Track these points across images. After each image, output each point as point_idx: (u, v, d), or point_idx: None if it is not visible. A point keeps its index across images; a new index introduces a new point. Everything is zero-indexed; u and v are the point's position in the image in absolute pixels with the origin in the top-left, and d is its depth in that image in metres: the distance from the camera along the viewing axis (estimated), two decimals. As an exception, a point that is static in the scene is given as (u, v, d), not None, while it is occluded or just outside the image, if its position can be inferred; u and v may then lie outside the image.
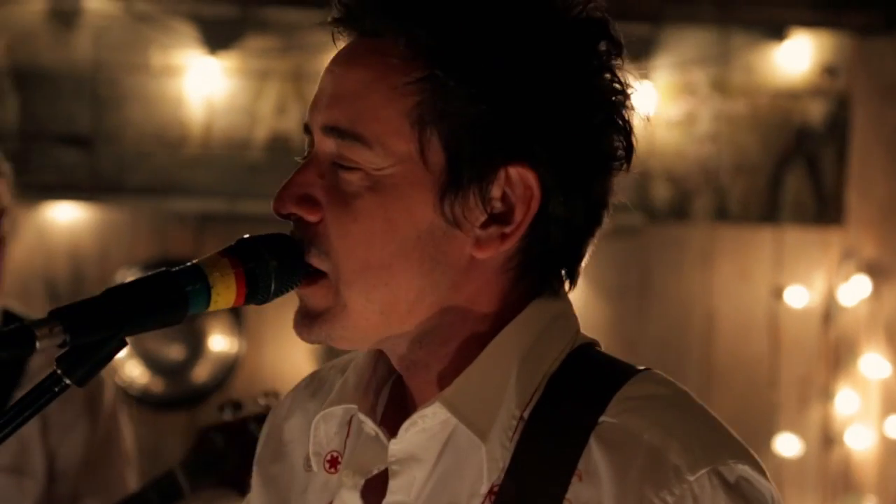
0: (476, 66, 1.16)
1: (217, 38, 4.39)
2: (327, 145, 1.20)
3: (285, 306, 4.41)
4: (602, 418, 1.16)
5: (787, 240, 4.91)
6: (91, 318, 1.08)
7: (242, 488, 2.44)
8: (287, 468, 1.36)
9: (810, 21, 4.79)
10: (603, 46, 1.20)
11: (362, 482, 1.24)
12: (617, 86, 1.20)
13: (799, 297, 4.87)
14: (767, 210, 4.88)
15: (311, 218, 1.19)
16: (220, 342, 4.57)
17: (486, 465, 1.17)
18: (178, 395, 4.59)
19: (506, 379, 1.19)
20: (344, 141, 1.18)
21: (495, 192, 1.18)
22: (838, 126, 4.91)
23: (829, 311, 4.94)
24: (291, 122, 4.47)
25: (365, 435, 1.27)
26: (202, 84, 4.42)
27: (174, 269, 1.14)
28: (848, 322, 4.94)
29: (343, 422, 1.29)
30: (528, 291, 1.22)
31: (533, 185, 1.18)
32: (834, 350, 4.93)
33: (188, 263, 1.15)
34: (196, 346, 4.57)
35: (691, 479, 1.11)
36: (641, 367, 1.22)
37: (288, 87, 4.46)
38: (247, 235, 1.19)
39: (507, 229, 1.19)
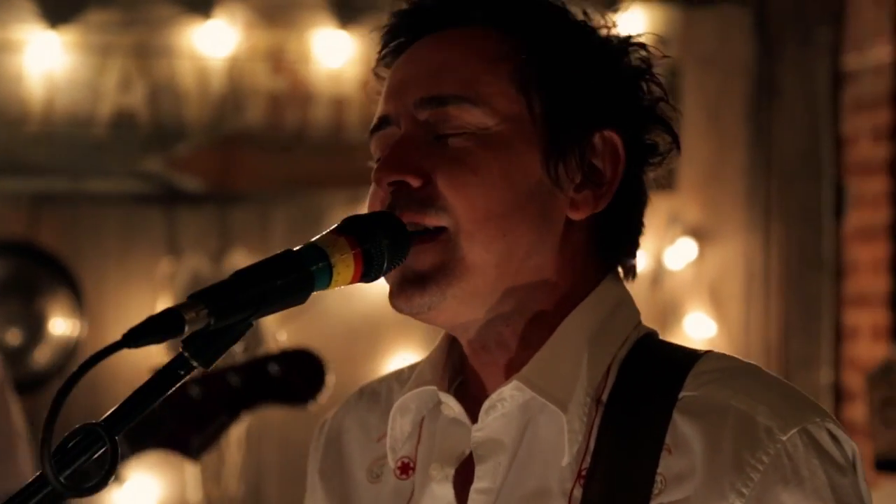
0: (565, 40, 1.27)
1: (57, 11, 4.23)
2: (421, 119, 1.24)
3: (125, 285, 4.34)
4: (682, 394, 1.21)
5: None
6: (231, 301, 1.08)
7: (184, 448, 2.42)
8: (349, 481, 1.37)
9: (640, -7, 4.94)
10: (644, 54, 1.33)
11: (453, 472, 1.27)
12: (659, 91, 1.33)
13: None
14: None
15: (416, 182, 1.22)
16: (60, 325, 4.44)
17: (566, 435, 1.21)
18: (16, 380, 4.44)
19: (578, 358, 1.24)
20: (447, 107, 1.23)
21: (589, 154, 1.27)
22: (670, 95, 5.08)
23: (658, 274, 5.13)
24: (136, 98, 4.35)
25: (443, 419, 1.30)
26: (42, 59, 4.26)
27: (297, 250, 1.15)
28: (675, 284, 5.15)
29: (416, 421, 1.31)
30: (597, 271, 1.30)
31: (620, 148, 1.27)
32: (661, 311, 5.13)
33: (307, 243, 1.16)
34: (35, 329, 4.42)
35: (784, 438, 1.17)
36: (704, 350, 1.29)
37: (131, 63, 4.34)
38: (355, 214, 1.21)
39: (600, 191, 1.27)
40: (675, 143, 1.31)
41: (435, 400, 1.31)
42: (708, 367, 1.24)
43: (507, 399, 1.24)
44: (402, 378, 1.39)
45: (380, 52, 1.33)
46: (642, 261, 4.88)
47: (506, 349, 1.27)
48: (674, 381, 1.22)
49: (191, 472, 4.15)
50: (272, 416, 2.54)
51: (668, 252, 5.13)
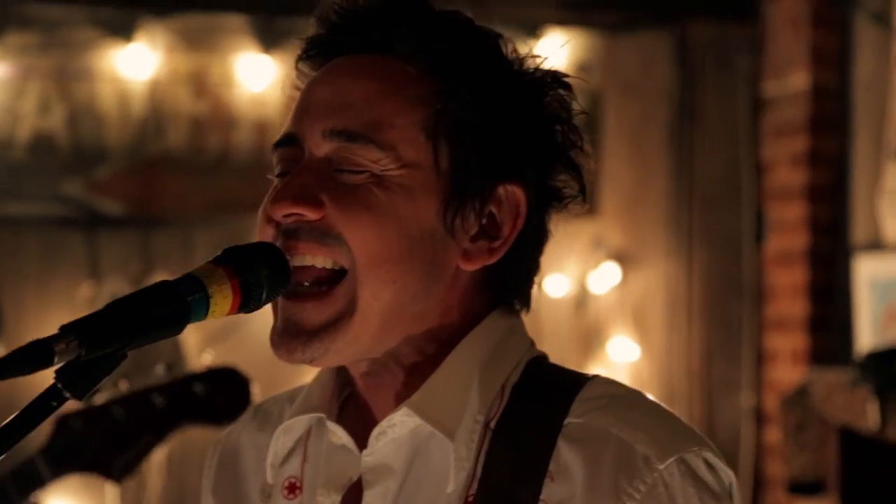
0: (484, 89, 1.25)
1: (-26, 34, 4.19)
2: (325, 149, 1.23)
3: (45, 309, 4.29)
4: (567, 420, 1.22)
5: (543, 231, 5.11)
6: (104, 332, 1.08)
7: (107, 471, 2.40)
8: (241, 500, 1.37)
9: (561, 20, 4.98)
10: (560, 95, 1.30)
11: (339, 499, 1.27)
12: (573, 136, 1.30)
13: (557, 285, 5.07)
14: (526, 203, 5.06)
15: (314, 215, 1.21)
16: (-24, 346, 4.38)
17: (452, 463, 1.22)
18: (-67, 404, 4.39)
19: (468, 385, 1.24)
20: (353, 143, 1.22)
21: (490, 207, 1.26)
22: (591, 121, 5.13)
23: (582, 298, 5.17)
24: (55, 121, 4.33)
25: (330, 446, 1.30)
26: (-40, 82, 4.23)
27: (173, 280, 1.14)
28: (598, 308, 5.19)
29: (299, 439, 1.32)
30: (487, 305, 1.29)
31: (522, 204, 1.26)
32: (585, 335, 5.17)
33: (185, 274, 1.16)
34: (-48, 352, 4.37)
35: (661, 467, 1.18)
36: (590, 374, 1.30)
37: (51, 86, 4.32)
38: (235, 245, 1.20)
39: (495, 244, 1.26)
40: (582, 192, 1.31)
41: (317, 420, 1.31)
42: (592, 393, 1.25)
43: (396, 425, 1.24)
44: (293, 398, 1.38)
45: (299, 58, 1.31)
46: (566, 285, 4.92)
47: (394, 378, 1.27)
48: (560, 407, 1.23)
49: (111, 496, 4.11)
50: (193, 439, 2.52)
51: (591, 276, 5.17)
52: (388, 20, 1.26)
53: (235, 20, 4.57)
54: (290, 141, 1.25)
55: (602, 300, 5.15)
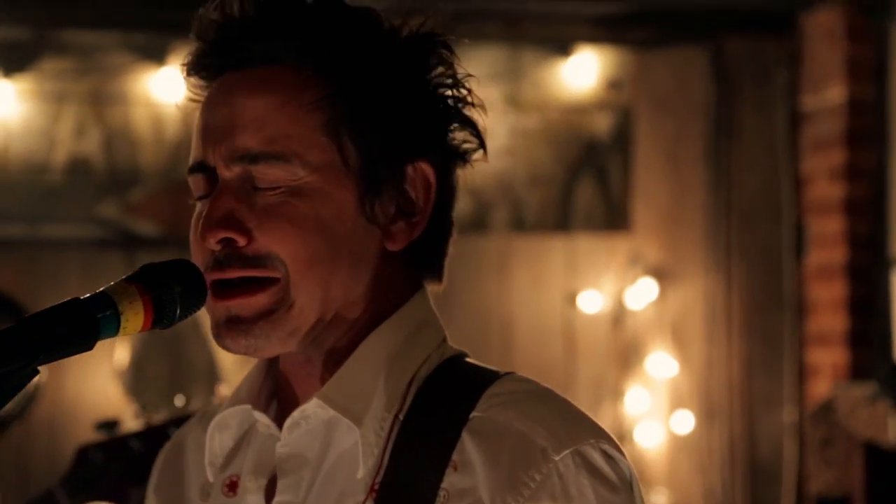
0: (374, 77, 1.28)
1: (12, 60, 4.29)
2: (235, 173, 1.26)
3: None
4: (473, 414, 1.25)
5: (578, 247, 5.12)
6: (7, 348, 1.09)
7: (125, 502, 2.44)
8: (182, 498, 1.40)
9: (593, 37, 4.99)
10: (438, 55, 1.33)
11: (265, 482, 1.31)
12: (463, 89, 1.33)
13: (591, 301, 5.07)
14: (560, 219, 5.07)
15: (242, 240, 1.24)
16: (20, 369, 4.46)
17: (360, 449, 1.24)
18: (-24, 425, 4.47)
19: (376, 376, 1.27)
20: (257, 164, 1.24)
21: (403, 186, 1.30)
22: (623, 137, 5.14)
23: (619, 315, 5.16)
24: (91, 145, 4.41)
25: (258, 435, 1.33)
26: (-2, 108, 4.32)
27: (84, 298, 1.16)
28: (636, 324, 5.18)
29: (238, 436, 1.35)
30: (406, 287, 1.33)
31: (431, 176, 1.30)
32: (623, 351, 5.16)
33: (97, 291, 1.17)
34: (-6, 374, 4.45)
35: (556, 458, 1.21)
36: (505, 371, 1.32)
37: (86, 110, 4.40)
38: (151, 262, 1.22)
39: (415, 219, 1.30)
40: (482, 145, 1.34)
41: (253, 417, 1.35)
42: (500, 389, 1.28)
43: (310, 416, 1.28)
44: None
45: (185, 72, 1.34)
46: (603, 301, 4.91)
47: (315, 367, 1.31)
48: (467, 402, 1.26)
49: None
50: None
51: (628, 292, 5.17)
52: (266, 30, 1.27)
53: (267, 43, 4.62)
54: (201, 168, 1.29)
55: (640, 316, 5.14)
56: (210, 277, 1.24)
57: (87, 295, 1.16)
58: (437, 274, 1.35)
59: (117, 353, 4.50)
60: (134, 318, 1.17)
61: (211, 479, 1.35)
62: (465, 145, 1.34)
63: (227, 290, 1.25)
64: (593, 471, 1.21)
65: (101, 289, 1.17)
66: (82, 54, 4.37)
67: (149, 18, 4.44)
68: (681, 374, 5.13)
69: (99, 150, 4.40)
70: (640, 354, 5.17)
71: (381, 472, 1.25)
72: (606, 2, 4.84)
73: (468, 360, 1.35)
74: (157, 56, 4.47)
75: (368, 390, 1.27)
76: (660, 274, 5.21)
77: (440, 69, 1.32)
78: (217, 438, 1.34)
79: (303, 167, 1.24)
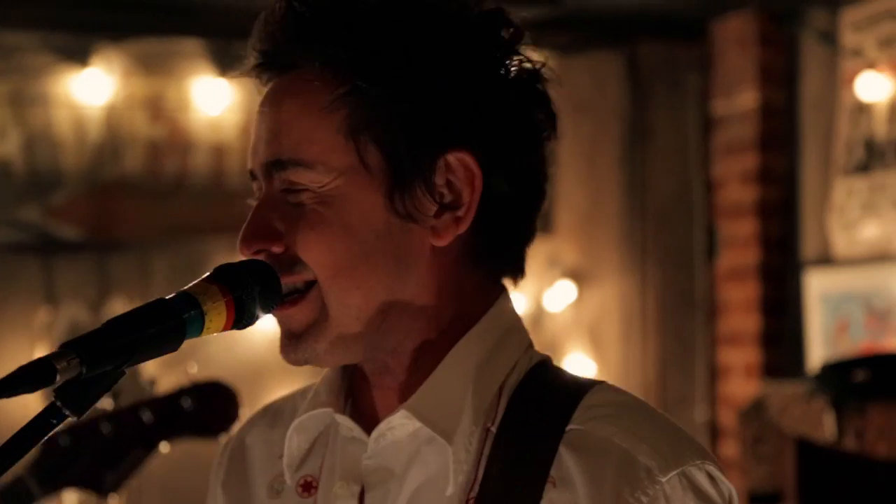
0: (392, 70, 1.23)
1: (-69, 61, 4.18)
2: (272, 181, 1.26)
3: (1, 334, 4.27)
4: (569, 427, 1.22)
5: (499, 250, 5.15)
6: (104, 350, 1.09)
7: (98, 486, 2.40)
8: (250, 495, 1.39)
9: (514, 41, 5.03)
10: (505, 33, 1.28)
11: (359, 489, 1.29)
12: (526, 64, 1.28)
13: (515, 304, 5.10)
14: (482, 223, 5.10)
15: (278, 248, 1.24)
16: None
17: (451, 466, 1.22)
18: None
19: (465, 387, 1.25)
20: (287, 170, 1.24)
21: (439, 180, 1.24)
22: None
23: (538, 316, 5.21)
24: (11, 147, 4.32)
25: (341, 440, 1.32)
26: (-85, 109, 4.21)
27: (169, 298, 1.16)
28: (555, 325, 5.23)
29: (314, 437, 1.34)
30: (484, 285, 1.29)
31: (472, 166, 1.24)
32: (541, 352, 5.20)
33: (180, 292, 1.17)
34: None
35: (663, 479, 1.18)
36: (595, 380, 1.29)
37: (6, 111, 4.31)
38: (228, 262, 1.22)
39: (460, 212, 1.25)
40: (553, 124, 1.29)
41: (332, 419, 1.33)
42: (596, 400, 1.25)
43: (395, 428, 1.26)
44: (306, 395, 1.40)
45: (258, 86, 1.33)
46: (522, 303, 4.95)
47: (394, 377, 1.29)
48: (562, 413, 1.23)
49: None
50: (153, 465, 2.53)
51: (547, 294, 5.21)
52: (290, 35, 1.27)
53: (191, 44, 4.58)
54: (253, 176, 1.30)
55: (558, 318, 5.20)
56: None
57: (171, 295, 1.16)
58: (514, 270, 1.31)
59: (36, 354, 4.42)
60: (217, 318, 1.17)
61: (289, 481, 1.33)
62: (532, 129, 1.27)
63: (282, 304, 1.25)
64: (699, 493, 1.20)
65: (183, 288, 1.17)
66: (2, 55, 4.28)
67: (70, 19, 4.37)
68: (598, 374, 5.19)
69: (19, 153, 4.32)
70: (559, 356, 5.22)
71: (476, 487, 1.23)
72: (527, 7, 4.88)
73: (554, 365, 1.33)
74: (79, 57, 4.40)
75: (457, 403, 1.25)
76: (577, 276, 5.28)
77: (504, 42, 1.27)
78: (295, 440, 1.33)
79: (327, 173, 1.23)
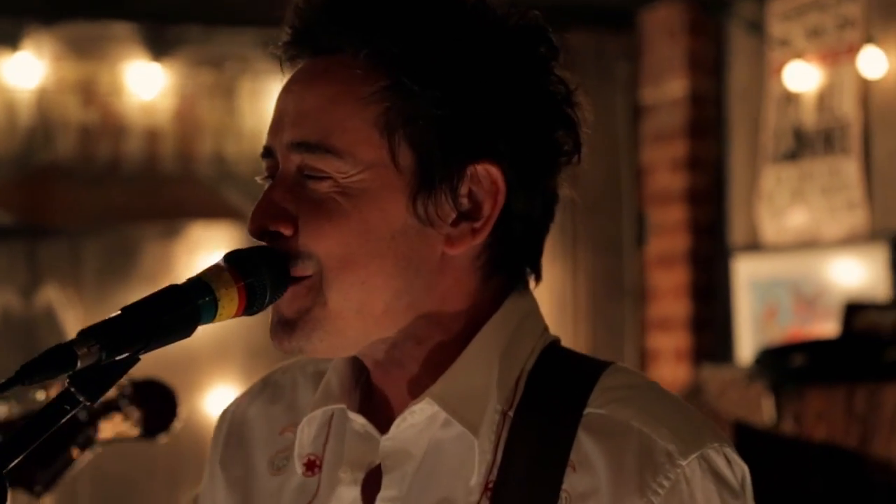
0: (437, 72, 1.22)
1: None
2: (293, 161, 1.23)
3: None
4: (587, 410, 1.22)
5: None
6: (122, 336, 1.10)
7: (29, 485, 2.36)
8: (250, 472, 1.38)
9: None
10: (542, 50, 1.27)
11: (362, 476, 1.28)
12: (560, 86, 1.27)
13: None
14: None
15: (287, 231, 1.22)
16: None
17: (477, 458, 1.21)
18: None
19: (489, 375, 1.24)
20: (313, 154, 1.22)
21: (463, 189, 1.23)
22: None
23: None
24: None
25: (351, 432, 1.31)
26: None
27: (183, 285, 1.16)
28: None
29: (322, 423, 1.33)
30: (497, 290, 1.28)
31: (498, 180, 1.23)
32: (474, 338, 5.22)
33: (193, 277, 1.17)
34: None
35: (683, 463, 1.18)
36: (606, 360, 1.28)
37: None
38: (238, 248, 1.21)
39: (477, 224, 1.23)
40: (577, 148, 1.30)
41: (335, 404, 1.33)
42: (612, 382, 1.25)
43: (416, 412, 1.24)
44: (306, 371, 1.39)
45: (279, 60, 1.30)
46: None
47: (403, 369, 1.28)
48: (579, 396, 1.23)
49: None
50: (121, 450, 2.50)
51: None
52: (333, 17, 1.25)
53: (124, 28, 4.52)
54: (268, 153, 1.27)
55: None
56: None
57: (185, 281, 1.16)
58: (527, 262, 1.30)
59: (-35, 346, 4.35)
60: (229, 304, 1.17)
61: (299, 471, 1.32)
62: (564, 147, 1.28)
63: None
64: (717, 476, 1.20)
65: (196, 274, 1.17)
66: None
67: (1, 3, 4.29)
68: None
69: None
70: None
71: (495, 471, 1.22)
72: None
73: (564, 346, 1.32)
74: (9, 41, 4.32)
75: (482, 392, 1.24)
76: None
77: (527, 67, 1.25)
78: (306, 431, 1.32)
79: (354, 165, 1.21)
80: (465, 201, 1.24)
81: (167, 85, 4.52)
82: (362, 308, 1.23)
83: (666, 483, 1.19)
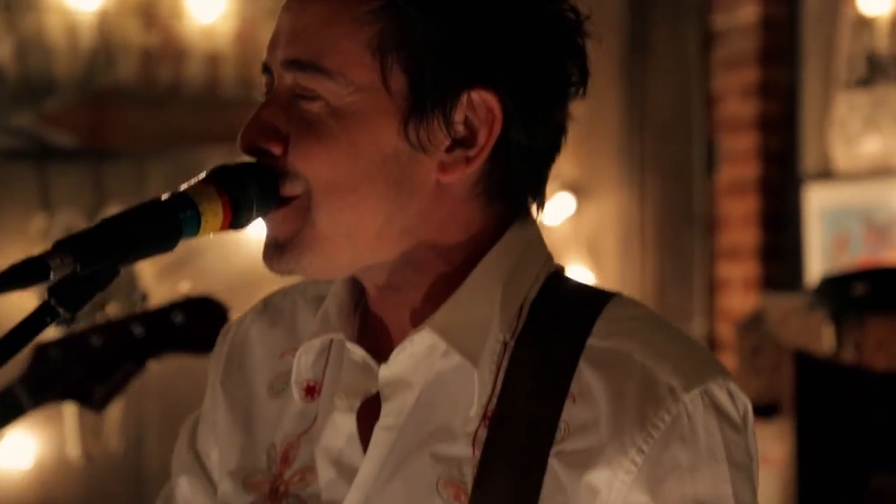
0: None
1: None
2: (287, 79, 1.22)
3: None
4: (590, 341, 1.21)
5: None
6: (97, 248, 1.10)
7: (87, 399, 2.41)
8: (249, 394, 1.37)
9: None
10: None
11: (358, 404, 1.27)
12: (570, 14, 1.24)
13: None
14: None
15: (277, 150, 1.21)
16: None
17: (476, 389, 1.21)
18: None
19: (491, 305, 1.23)
20: (305, 73, 1.21)
21: (458, 116, 1.21)
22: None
23: (535, 229, 5.20)
24: (3, 52, 4.28)
25: (349, 361, 1.30)
26: None
27: (165, 198, 1.16)
28: (553, 239, 5.21)
29: (321, 350, 1.32)
30: (498, 219, 1.26)
31: (495, 109, 1.21)
32: (539, 266, 5.19)
33: (176, 191, 1.17)
34: None
35: (686, 398, 1.18)
36: (611, 291, 1.28)
37: (-1, 17, 4.25)
38: (224, 163, 1.21)
39: (471, 152, 1.22)
40: (583, 79, 1.27)
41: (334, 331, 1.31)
42: (616, 314, 1.23)
43: (416, 342, 1.23)
44: (306, 295, 1.38)
45: None
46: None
47: (403, 295, 1.27)
48: (582, 327, 1.22)
49: (70, 427, 4.10)
50: (151, 370, 2.53)
51: (546, 207, 5.18)
52: None
53: (185, -50, 4.52)
54: (266, 70, 1.26)
55: (557, 231, 5.18)
56: None
57: (167, 195, 1.16)
58: (529, 191, 1.28)
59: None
60: (213, 218, 1.17)
61: (297, 397, 1.31)
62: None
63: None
64: (720, 411, 1.19)
65: (180, 188, 1.16)
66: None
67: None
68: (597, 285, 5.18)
69: (11, 59, 4.27)
70: (557, 269, 5.21)
71: (494, 400, 1.21)
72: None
73: (568, 276, 1.30)
74: (71, -38, 4.34)
75: (483, 322, 1.22)
76: (577, 189, 5.25)
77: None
78: (304, 359, 1.31)
79: (346, 86, 1.20)
80: (460, 128, 1.22)
81: (228, 8, 4.51)
82: (352, 231, 1.22)
83: (667, 417, 1.18)
